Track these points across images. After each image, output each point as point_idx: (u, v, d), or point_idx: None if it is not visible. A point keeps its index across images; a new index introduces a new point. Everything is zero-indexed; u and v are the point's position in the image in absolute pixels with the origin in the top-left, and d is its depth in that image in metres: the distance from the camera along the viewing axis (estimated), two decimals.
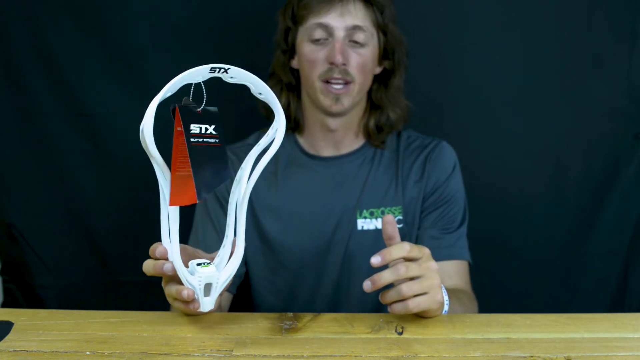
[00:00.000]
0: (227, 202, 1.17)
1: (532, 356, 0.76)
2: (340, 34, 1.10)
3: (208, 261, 0.82)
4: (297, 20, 1.15)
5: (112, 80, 1.45)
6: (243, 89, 1.26)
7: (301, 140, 1.22)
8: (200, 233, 1.18)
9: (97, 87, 1.45)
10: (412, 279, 0.82)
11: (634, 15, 1.40)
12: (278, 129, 0.80)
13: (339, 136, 1.19)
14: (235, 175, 1.18)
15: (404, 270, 0.81)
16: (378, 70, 1.18)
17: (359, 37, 1.11)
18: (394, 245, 0.83)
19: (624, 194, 1.47)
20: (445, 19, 1.43)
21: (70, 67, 1.44)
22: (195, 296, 0.79)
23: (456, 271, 1.13)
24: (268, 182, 1.19)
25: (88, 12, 1.42)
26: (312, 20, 1.11)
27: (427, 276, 0.83)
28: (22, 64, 1.43)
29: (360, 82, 1.13)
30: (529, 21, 1.42)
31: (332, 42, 1.10)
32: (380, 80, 1.20)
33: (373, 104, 1.20)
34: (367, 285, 0.81)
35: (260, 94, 0.79)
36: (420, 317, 0.87)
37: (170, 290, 0.81)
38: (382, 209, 1.17)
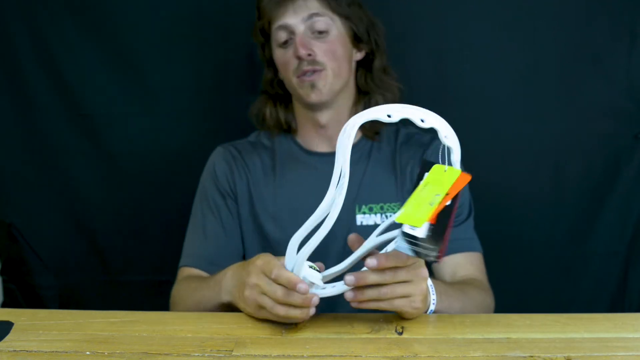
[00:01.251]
0: (227, 193, 1.19)
1: (532, 356, 0.76)
2: (299, 29, 1.12)
3: (317, 267, 0.84)
4: (265, 33, 1.17)
5: (112, 80, 1.45)
6: (241, 90, 1.27)
7: (298, 138, 1.23)
8: (200, 222, 1.18)
9: (97, 87, 1.45)
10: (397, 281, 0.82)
11: (633, 14, 1.40)
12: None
13: (332, 132, 1.19)
14: (236, 169, 1.19)
15: (389, 277, 0.81)
16: (359, 56, 1.19)
17: (320, 25, 1.12)
18: (391, 255, 0.81)
19: (624, 194, 1.47)
20: (445, 19, 1.43)
21: (70, 67, 1.44)
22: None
23: (469, 261, 1.13)
24: (267, 179, 1.19)
25: (88, 13, 1.42)
26: (273, 26, 1.14)
27: (414, 282, 0.82)
28: (22, 64, 1.43)
29: (333, 68, 1.13)
30: (529, 21, 1.42)
31: (295, 39, 1.12)
32: (364, 66, 1.20)
33: (360, 91, 1.20)
34: (351, 281, 0.80)
35: (445, 137, 0.80)
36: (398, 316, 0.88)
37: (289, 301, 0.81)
38: (382, 204, 1.17)
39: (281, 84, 1.20)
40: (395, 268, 0.81)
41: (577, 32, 1.42)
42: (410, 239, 0.73)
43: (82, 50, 1.43)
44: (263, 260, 0.85)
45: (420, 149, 1.20)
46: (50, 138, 1.47)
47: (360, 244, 0.85)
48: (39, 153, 1.47)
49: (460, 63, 1.44)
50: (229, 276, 0.95)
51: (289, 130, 1.22)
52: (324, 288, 0.83)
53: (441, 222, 0.74)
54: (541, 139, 1.46)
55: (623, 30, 1.41)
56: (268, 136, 1.24)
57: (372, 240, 0.82)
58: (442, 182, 0.77)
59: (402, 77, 1.30)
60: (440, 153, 0.79)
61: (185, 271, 1.16)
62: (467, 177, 0.77)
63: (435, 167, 0.79)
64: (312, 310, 0.83)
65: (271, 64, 1.20)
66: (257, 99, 1.24)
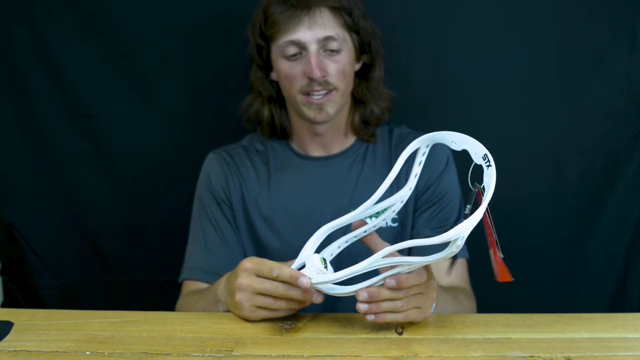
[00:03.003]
0: (223, 200, 1.18)
1: (532, 356, 0.76)
2: (313, 47, 1.09)
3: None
4: (267, 38, 1.13)
5: (112, 80, 1.45)
6: (241, 90, 1.27)
7: (293, 144, 1.22)
8: (200, 234, 1.18)
9: (97, 87, 1.45)
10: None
11: (634, 15, 1.40)
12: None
13: (327, 138, 1.19)
14: (230, 175, 1.19)
15: (404, 292, 0.81)
16: (357, 67, 1.18)
17: (333, 45, 1.09)
18: (412, 274, 0.81)
19: (624, 194, 1.47)
20: (445, 19, 1.43)
21: (70, 67, 1.44)
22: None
23: (453, 268, 1.12)
24: (260, 184, 1.19)
25: (88, 13, 1.42)
26: (283, 38, 1.09)
27: (425, 293, 0.83)
28: (22, 64, 1.43)
29: (342, 88, 1.12)
30: (529, 21, 1.42)
31: (307, 55, 1.09)
32: (361, 75, 1.19)
33: (356, 99, 1.20)
34: (364, 297, 0.79)
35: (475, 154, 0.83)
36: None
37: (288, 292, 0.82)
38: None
39: (272, 83, 1.19)
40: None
41: (577, 32, 1.42)
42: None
43: (82, 51, 1.43)
44: (253, 262, 0.85)
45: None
46: (50, 138, 1.47)
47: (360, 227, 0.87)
48: (39, 153, 1.47)
49: (461, 63, 1.44)
50: (222, 284, 0.95)
51: (282, 135, 1.22)
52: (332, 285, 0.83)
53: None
54: (541, 139, 1.46)
55: (623, 31, 1.41)
56: (261, 140, 1.24)
57: (377, 260, 0.79)
58: None
59: (402, 77, 1.30)
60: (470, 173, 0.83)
61: (189, 285, 1.16)
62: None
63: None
64: (319, 299, 0.83)
65: (265, 67, 1.18)
66: (248, 97, 1.23)
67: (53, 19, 1.41)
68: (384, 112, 1.20)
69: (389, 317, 0.82)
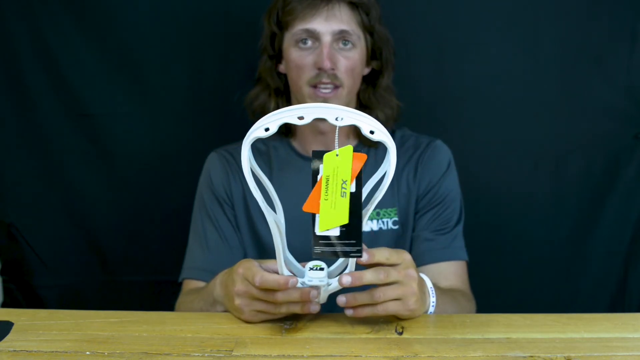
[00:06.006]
0: (224, 200, 1.18)
1: (532, 356, 0.76)
2: (327, 38, 1.09)
3: (321, 265, 0.83)
4: (282, 26, 1.14)
5: (112, 80, 1.45)
6: (241, 90, 1.27)
7: (294, 143, 1.22)
8: (201, 233, 1.18)
9: (97, 87, 1.45)
10: (388, 283, 0.82)
11: (634, 15, 1.40)
12: (390, 164, 0.77)
13: (331, 139, 1.19)
14: (231, 175, 1.19)
15: (383, 275, 0.81)
16: (366, 71, 1.18)
17: (346, 40, 1.10)
18: (378, 249, 0.83)
19: (624, 194, 1.47)
20: (445, 19, 1.43)
21: (70, 67, 1.44)
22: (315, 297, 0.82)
23: (453, 271, 1.13)
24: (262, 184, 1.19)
25: (88, 12, 1.42)
26: (298, 26, 1.10)
27: (404, 283, 0.83)
28: (22, 64, 1.43)
29: (349, 86, 1.12)
30: (529, 21, 1.42)
31: (320, 46, 1.10)
32: (369, 81, 1.19)
33: (362, 104, 1.20)
34: (347, 281, 0.80)
35: (372, 132, 0.77)
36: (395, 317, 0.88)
37: (287, 295, 0.82)
38: (377, 210, 1.16)
39: (280, 76, 1.19)
40: (384, 267, 0.82)
41: (577, 32, 1.42)
42: (327, 241, 0.75)
43: (82, 50, 1.43)
44: (243, 267, 0.86)
45: (417, 151, 1.19)
46: (50, 138, 1.47)
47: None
48: (39, 153, 1.47)
49: (460, 63, 1.44)
50: (218, 285, 0.95)
51: (286, 130, 1.22)
52: (329, 284, 0.83)
53: (354, 213, 0.74)
54: (541, 139, 1.47)
55: (623, 31, 1.41)
56: (263, 140, 1.24)
57: None
58: (341, 168, 0.76)
59: (402, 77, 1.30)
60: (337, 136, 0.78)
61: (189, 284, 1.16)
62: (363, 157, 0.76)
63: (326, 155, 0.77)
64: (316, 308, 0.84)
65: (275, 57, 1.18)
66: (254, 88, 1.22)
67: (53, 19, 1.41)
68: (388, 120, 1.20)
69: (367, 311, 0.83)
